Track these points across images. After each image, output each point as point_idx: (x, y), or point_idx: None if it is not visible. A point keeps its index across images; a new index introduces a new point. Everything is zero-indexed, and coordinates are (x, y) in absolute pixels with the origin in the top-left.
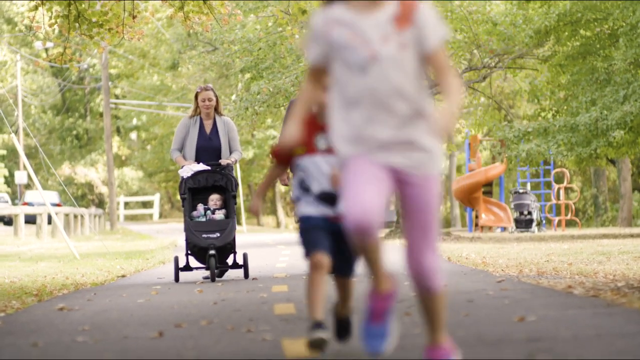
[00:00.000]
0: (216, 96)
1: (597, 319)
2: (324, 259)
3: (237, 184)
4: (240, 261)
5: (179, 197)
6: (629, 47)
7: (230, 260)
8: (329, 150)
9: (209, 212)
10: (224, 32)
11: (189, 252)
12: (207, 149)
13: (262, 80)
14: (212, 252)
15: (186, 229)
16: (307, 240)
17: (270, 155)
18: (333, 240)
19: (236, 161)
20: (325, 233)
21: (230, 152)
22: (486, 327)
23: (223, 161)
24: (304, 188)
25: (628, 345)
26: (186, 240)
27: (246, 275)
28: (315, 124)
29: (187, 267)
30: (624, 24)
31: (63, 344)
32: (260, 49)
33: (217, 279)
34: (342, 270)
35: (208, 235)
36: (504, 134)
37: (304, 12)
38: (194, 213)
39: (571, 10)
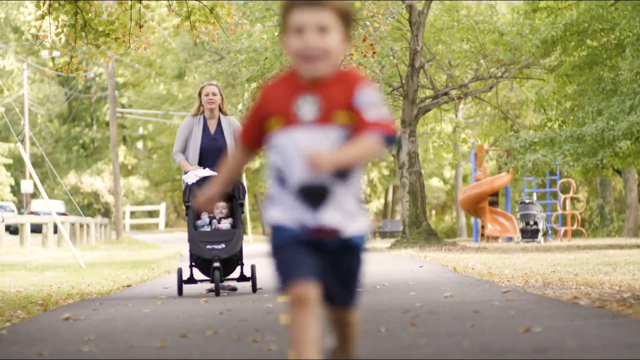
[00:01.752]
0: (221, 94)
1: (603, 329)
2: (310, 289)
3: (245, 191)
4: (247, 273)
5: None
6: (635, 57)
7: (237, 273)
8: (319, 121)
9: (214, 221)
10: (231, 41)
11: (192, 263)
12: (211, 149)
13: None
14: (216, 264)
15: (190, 239)
16: (281, 264)
17: (235, 138)
18: (320, 258)
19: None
20: (307, 250)
21: None
22: (492, 337)
23: None
24: (281, 179)
25: (634, 355)
26: (190, 251)
27: (254, 288)
28: (295, 83)
29: (191, 280)
30: (631, 34)
31: (69, 354)
32: (266, 58)
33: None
34: (337, 298)
35: (213, 246)
36: (510, 144)
37: None
38: (199, 222)
39: (578, 20)
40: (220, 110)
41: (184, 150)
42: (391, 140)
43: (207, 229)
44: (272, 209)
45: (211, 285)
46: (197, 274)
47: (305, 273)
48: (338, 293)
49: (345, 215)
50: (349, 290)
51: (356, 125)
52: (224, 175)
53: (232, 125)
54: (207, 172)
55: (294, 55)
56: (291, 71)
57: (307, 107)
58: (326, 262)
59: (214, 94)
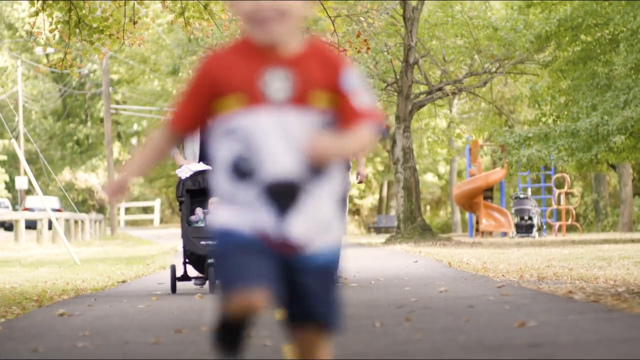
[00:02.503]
0: None
1: (598, 324)
2: (257, 298)
3: None
4: None
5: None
6: (629, 52)
7: None
8: (293, 102)
9: (208, 216)
10: (225, 37)
11: (186, 260)
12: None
13: None
14: (210, 260)
15: (183, 235)
16: (225, 270)
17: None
18: (283, 274)
19: None
20: (260, 254)
21: None
22: (487, 332)
23: None
24: (240, 172)
25: (629, 350)
26: (183, 247)
27: None
28: (260, 53)
29: (185, 277)
30: (625, 29)
31: (63, 350)
32: None
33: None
34: (299, 315)
35: (207, 242)
36: (505, 139)
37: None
38: (192, 218)
39: (572, 15)
40: None
41: (179, 145)
42: (382, 131)
43: (202, 224)
44: (221, 209)
45: (199, 280)
46: (191, 271)
47: (252, 279)
48: (299, 310)
49: (316, 224)
50: (314, 307)
51: (342, 113)
52: (143, 159)
53: None
54: (201, 166)
55: (246, 18)
56: (249, 39)
57: (277, 83)
58: (286, 278)
59: None
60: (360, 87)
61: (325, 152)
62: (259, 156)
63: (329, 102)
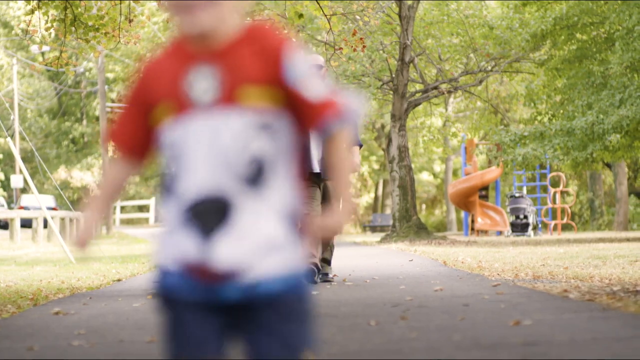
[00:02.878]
0: None
1: (593, 323)
2: None
3: None
4: None
5: None
6: (625, 50)
7: None
8: (221, 102)
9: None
10: None
11: None
12: None
13: None
14: None
15: None
16: (171, 339)
17: (110, 141)
18: (229, 321)
19: None
20: (204, 316)
21: None
22: (482, 331)
23: None
24: (168, 191)
25: (624, 349)
26: None
27: None
28: (186, 52)
29: None
30: (620, 28)
31: (59, 348)
32: None
33: None
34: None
35: None
36: (500, 138)
37: (300, 15)
38: None
39: (567, 14)
40: None
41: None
42: (349, 119)
43: None
44: (159, 243)
45: None
46: None
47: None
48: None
49: (255, 245)
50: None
51: (297, 111)
52: (100, 201)
53: None
54: None
55: (171, 7)
56: (182, 38)
57: (202, 83)
58: (238, 324)
59: None
60: (308, 74)
61: (340, 225)
62: (181, 171)
63: (268, 99)
